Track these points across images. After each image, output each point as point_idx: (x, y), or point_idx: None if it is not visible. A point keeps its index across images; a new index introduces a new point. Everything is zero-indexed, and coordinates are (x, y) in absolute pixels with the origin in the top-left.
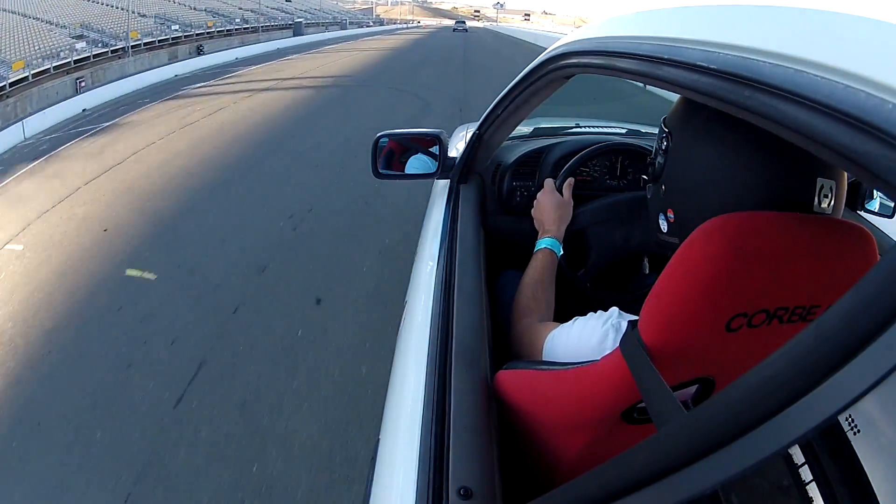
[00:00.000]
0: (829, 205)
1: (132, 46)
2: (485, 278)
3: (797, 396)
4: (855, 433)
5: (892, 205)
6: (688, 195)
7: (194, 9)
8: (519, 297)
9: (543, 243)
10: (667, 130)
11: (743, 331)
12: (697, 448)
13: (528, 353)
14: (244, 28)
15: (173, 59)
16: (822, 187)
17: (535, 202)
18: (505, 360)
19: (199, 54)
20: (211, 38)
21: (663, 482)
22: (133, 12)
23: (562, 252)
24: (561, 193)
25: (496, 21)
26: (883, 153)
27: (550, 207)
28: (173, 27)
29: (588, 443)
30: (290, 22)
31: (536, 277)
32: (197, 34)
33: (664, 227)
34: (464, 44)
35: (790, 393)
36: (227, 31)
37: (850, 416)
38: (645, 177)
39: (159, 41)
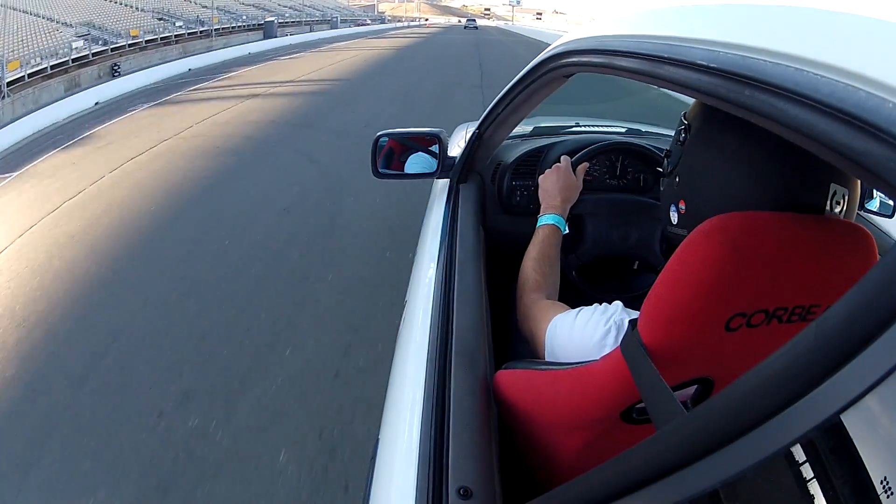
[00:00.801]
0: (840, 211)
1: (9, 83)
2: (485, 278)
3: (797, 396)
4: (889, 496)
5: (892, 204)
6: (701, 188)
7: (142, 10)
8: (524, 271)
9: (549, 219)
10: (686, 123)
11: (742, 330)
12: (697, 448)
13: (533, 332)
14: (190, 33)
15: (73, 89)
16: (834, 193)
17: (546, 172)
18: (505, 360)
19: (113, 77)
20: (143, 49)
21: (663, 482)
22: (55, 21)
23: (566, 231)
24: (574, 175)
25: (511, 20)
26: (883, 153)
27: (561, 184)
28: (74, 45)
29: (587, 443)
30: (259, 21)
31: (543, 252)
32: (113, 49)
33: (675, 218)
34: (477, 52)
35: (790, 393)
36: (164, 39)
37: (885, 479)
38: (660, 168)
39: (52, 66)
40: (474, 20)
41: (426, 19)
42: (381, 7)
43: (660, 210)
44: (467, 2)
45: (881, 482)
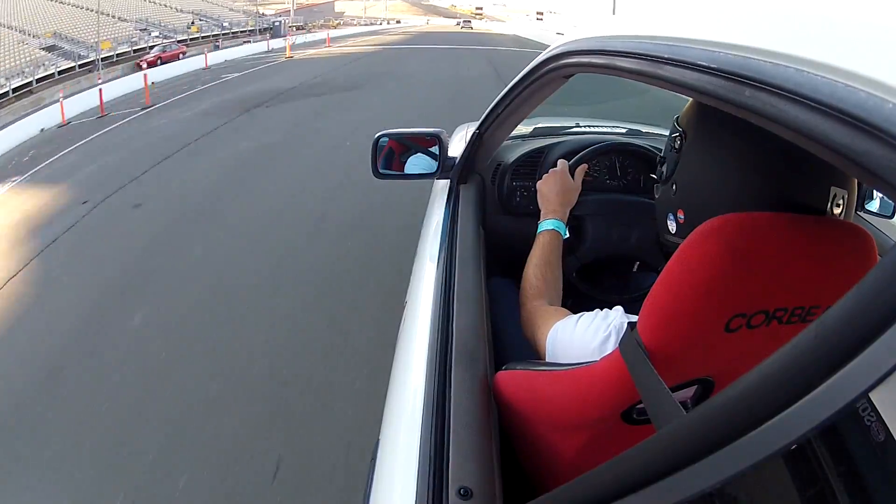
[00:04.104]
0: (840, 213)
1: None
2: (484, 278)
3: (797, 397)
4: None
5: (893, 205)
6: (701, 196)
7: None
8: (526, 278)
9: (549, 224)
10: (680, 129)
11: (742, 331)
12: (697, 448)
13: (535, 338)
14: None
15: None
16: (834, 196)
17: (544, 177)
18: (505, 361)
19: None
20: None
21: (663, 482)
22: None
23: (567, 235)
24: (572, 178)
25: (507, 20)
26: (883, 153)
27: (559, 188)
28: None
29: (587, 443)
30: None
31: (545, 258)
32: None
33: (672, 227)
34: None
35: (790, 393)
36: None
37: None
38: (654, 175)
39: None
40: (470, 21)
41: (398, 22)
42: (341, 6)
43: (656, 217)
44: (456, 1)
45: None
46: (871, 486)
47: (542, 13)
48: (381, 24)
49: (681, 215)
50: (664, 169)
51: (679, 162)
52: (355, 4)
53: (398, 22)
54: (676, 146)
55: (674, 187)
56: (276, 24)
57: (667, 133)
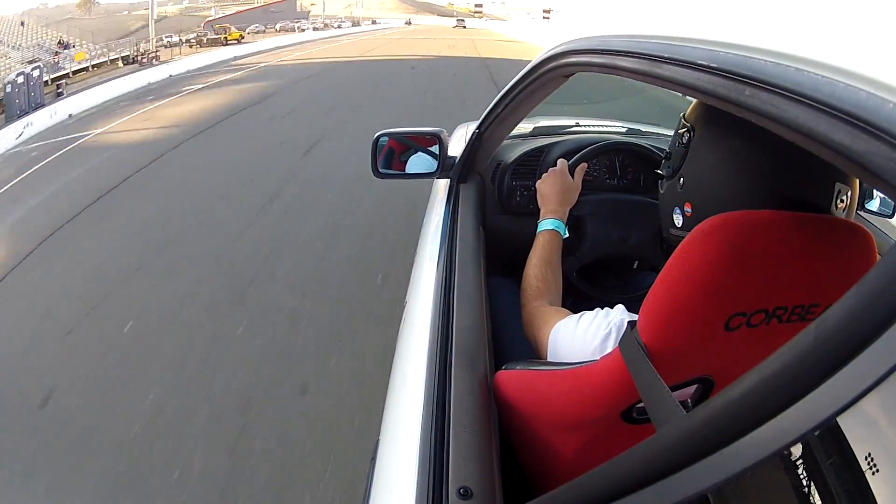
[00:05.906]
0: (844, 209)
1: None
2: (484, 278)
3: (797, 397)
4: (874, 472)
5: (893, 204)
6: (709, 190)
7: None
8: (527, 278)
9: (549, 224)
10: (688, 125)
11: (742, 330)
12: (697, 448)
13: (537, 338)
14: None
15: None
16: (839, 192)
17: (543, 176)
18: (505, 361)
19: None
20: None
21: (663, 482)
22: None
23: (567, 235)
24: (572, 177)
25: (507, 19)
26: (883, 153)
27: (559, 187)
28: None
29: (587, 442)
30: None
31: (545, 258)
32: None
33: (678, 221)
34: None
35: (790, 393)
36: None
37: (869, 455)
38: (659, 171)
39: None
40: (464, 19)
41: (374, 22)
42: (310, 3)
43: (660, 212)
44: (454, 0)
45: (865, 458)
46: (871, 488)
47: (548, 11)
48: (339, 25)
49: (688, 208)
50: (670, 164)
51: (687, 156)
52: (332, 2)
53: (373, 22)
54: (684, 141)
55: (681, 181)
56: (11, 90)
57: (667, 132)
